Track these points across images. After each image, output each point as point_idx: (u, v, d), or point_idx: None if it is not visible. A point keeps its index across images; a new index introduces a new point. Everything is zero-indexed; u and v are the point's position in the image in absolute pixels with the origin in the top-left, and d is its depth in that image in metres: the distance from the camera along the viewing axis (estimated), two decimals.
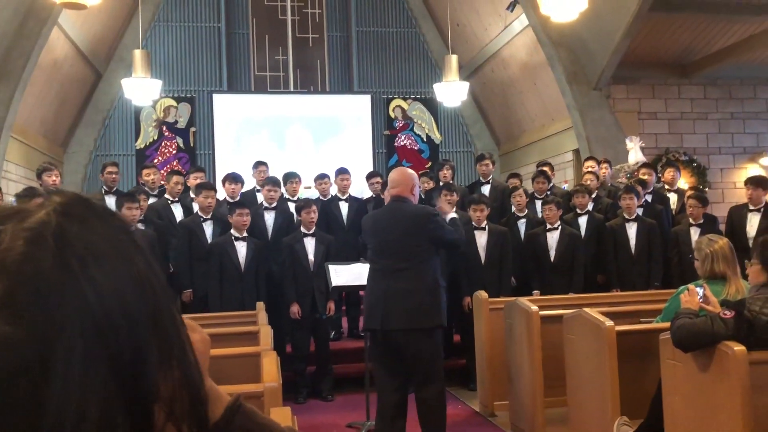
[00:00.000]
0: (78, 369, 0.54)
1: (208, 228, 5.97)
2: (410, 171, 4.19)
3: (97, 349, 0.55)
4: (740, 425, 2.54)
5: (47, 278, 0.55)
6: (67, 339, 0.54)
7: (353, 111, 12.07)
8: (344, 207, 6.87)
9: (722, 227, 6.85)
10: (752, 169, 9.97)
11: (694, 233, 6.05)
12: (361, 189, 9.06)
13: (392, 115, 12.43)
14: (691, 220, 6.20)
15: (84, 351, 0.54)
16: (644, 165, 7.49)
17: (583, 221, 6.43)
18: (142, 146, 11.55)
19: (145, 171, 7.15)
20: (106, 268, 0.57)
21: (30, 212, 0.59)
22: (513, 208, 6.64)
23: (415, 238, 3.87)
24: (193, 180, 6.93)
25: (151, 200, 6.62)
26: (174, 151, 11.65)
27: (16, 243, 0.57)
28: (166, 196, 6.64)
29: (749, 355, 2.58)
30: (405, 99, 12.50)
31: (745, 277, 3.48)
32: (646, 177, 6.92)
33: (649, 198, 6.75)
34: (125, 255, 0.59)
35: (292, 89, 12.03)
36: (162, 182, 7.29)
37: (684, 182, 8.98)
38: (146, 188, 6.85)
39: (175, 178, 6.67)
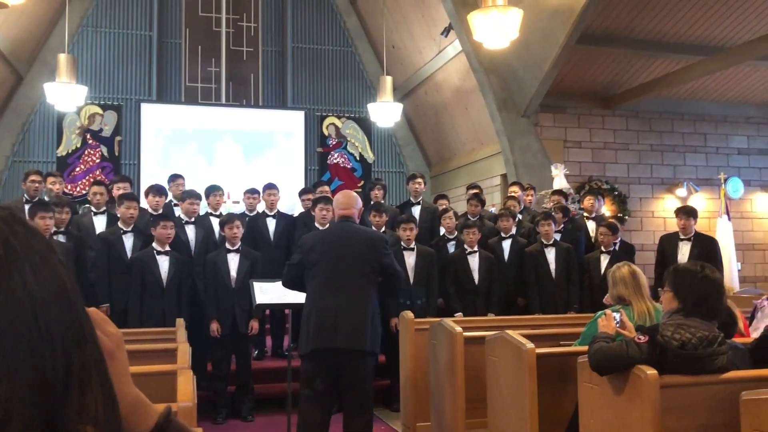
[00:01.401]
0: (6, 381, 0.52)
1: (128, 240, 5.77)
2: (356, 194, 4.20)
3: (27, 363, 0.54)
4: None
5: None
6: (1, 348, 0.53)
7: (286, 126, 11.99)
8: (271, 223, 6.77)
9: (642, 255, 7.12)
10: (669, 200, 10.45)
11: (604, 260, 6.28)
12: (291, 205, 8.98)
13: (326, 132, 12.41)
14: (602, 248, 6.42)
15: (14, 363, 0.53)
16: (555, 192, 7.72)
17: (507, 245, 6.56)
18: (64, 154, 11.11)
19: (50, 179, 6.83)
20: (41, 281, 0.57)
21: None
22: (443, 231, 6.71)
23: (369, 259, 3.85)
24: (117, 190, 6.69)
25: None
26: (97, 160, 11.25)
27: None
28: (91, 207, 6.39)
29: (661, 378, 2.66)
30: (339, 117, 12.51)
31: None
32: (561, 203, 7.14)
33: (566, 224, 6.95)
34: (54, 270, 0.59)
35: (223, 102, 11.85)
36: (72, 192, 7.01)
37: (606, 210, 9.30)
38: (62, 198, 6.56)
39: (94, 188, 6.38)
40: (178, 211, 6.67)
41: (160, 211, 6.20)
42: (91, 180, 9.58)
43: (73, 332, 0.58)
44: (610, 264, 5.72)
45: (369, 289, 3.86)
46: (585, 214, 7.39)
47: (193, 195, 6.31)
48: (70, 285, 0.60)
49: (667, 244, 6.57)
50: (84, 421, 0.58)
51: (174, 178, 7.21)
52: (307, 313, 3.83)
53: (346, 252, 3.83)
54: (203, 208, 6.69)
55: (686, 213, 6.48)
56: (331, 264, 3.82)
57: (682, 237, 6.45)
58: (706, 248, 6.32)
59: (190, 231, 6.16)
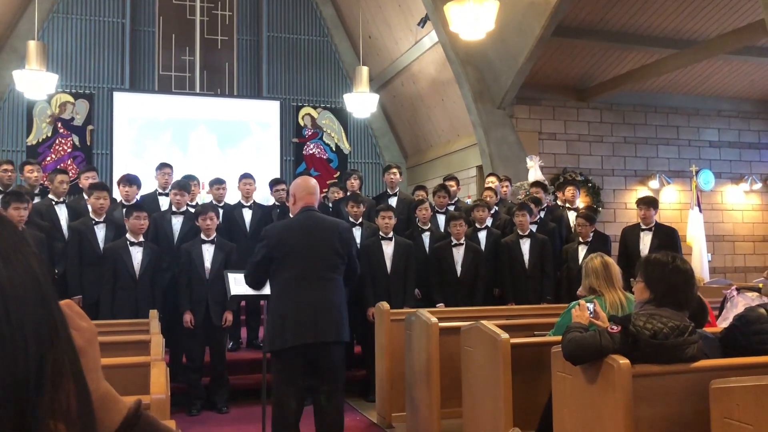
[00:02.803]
0: None
1: (100, 231, 5.68)
2: (315, 180, 4.13)
3: None
4: None
5: None
6: None
7: (261, 116, 11.89)
8: (248, 214, 6.71)
9: (614, 246, 7.19)
10: (642, 191, 10.56)
11: (582, 251, 6.33)
12: (267, 196, 8.92)
13: (301, 122, 12.34)
14: (579, 239, 6.48)
15: None
16: (535, 183, 7.76)
17: (482, 236, 6.59)
18: (35, 143, 10.92)
19: (27, 167, 6.66)
20: (13, 275, 0.54)
21: None
22: (417, 221, 6.71)
23: (338, 250, 3.82)
24: (85, 180, 6.56)
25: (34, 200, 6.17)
26: (69, 150, 11.07)
27: None
28: (50, 196, 6.21)
29: (633, 368, 2.69)
30: (315, 107, 12.44)
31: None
32: (538, 195, 7.19)
33: (543, 215, 6.99)
34: (27, 263, 0.57)
35: (198, 91, 11.72)
36: (43, 181, 6.86)
37: (579, 202, 9.38)
38: (26, 186, 6.43)
39: (59, 177, 6.22)
40: (162, 201, 6.58)
41: (133, 202, 6.12)
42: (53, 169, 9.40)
43: (46, 328, 0.56)
44: (588, 254, 5.77)
45: (339, 279, 3.86)
46: (567, 204, 7.42)
47: (179, 186, 6.21)
48: (43, 278, 0.58)
49: (629, 235, 6.68)
50: (56, 418, 0.56)
51: (161, 167, 6.94)
52: (282, 307, 3.74)
53: (315, 244, 3.78)
54: None
55: (646, 203, 6.60)
56: (301, 257, 3.75)
57: (643, 227, 6.56)
58: (667, 238, 6.45)
59: (177, 222, 6.07)
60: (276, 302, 3.79)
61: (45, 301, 0.57)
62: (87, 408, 0.60)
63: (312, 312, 3.68)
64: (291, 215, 4.03)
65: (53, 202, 6.12)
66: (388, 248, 5.99)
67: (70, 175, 6.95)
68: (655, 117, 10.79)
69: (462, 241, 6.20)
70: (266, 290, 4.28)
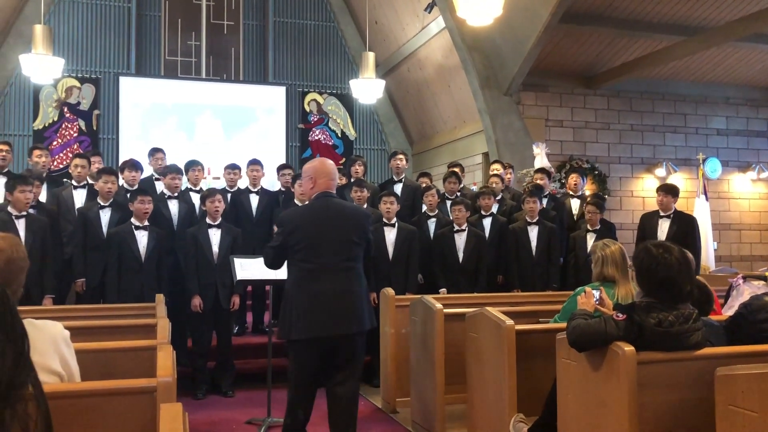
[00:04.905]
0: None
1: (105, 215, 5.70)
2: (333, 163, 3.96)
3: None
4: (626, 421, 2.65)
5: None
6: None
7: (267, 102, 11.88)
8: (254, 199, 6.73)
9: (620, 233, 7.17)
10: (648, 179, 10.53)
11: (590, 238, 6.30)
12: (272, 181, 8.93)
13: (307, 108, 12.32)
14: (588, 226, 6.44)
15: None
16: (539, 170, 7.73)
17: (487, 223, 6.57)
18: (41, 127, 10.94)
19: (36, 152, 6.69)
20: None
21: None
22: (424, 208, 6.70)
23: (357, 240, 3.69)
24: (92, 165, 6.60)
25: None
26: (75, 134, 11.09)
27: None
28: (72, 181, 6.25)
29: (638, 355, 2.69)
30: (321, 93, 12.41)
31: None
32: (541, 182, 7.17)
33: (546, 202, 6.97)
34: None
35: (204, 76, 11.70)
36: (51, 165, 6.87)
37: (586, 189, 9.35)
38: (34, 171, 6.45)
39: (75, 161, 6.28)
40: (159, 185, 6.60)
41: (136, 186, 6.14)
42: (70, 154, 9.44)
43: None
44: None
45: (359, 267, 3.73)
46: (570, 192, 7.38)
47: (175, 170, 6.25)
48: None
49: (647, 222, 6.62)
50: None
51: (154, 151, 7.11)
52: (299, 297, 3.59)
53: (334, 233, 3.63)
54: (184, 183, 6.63)
55: (665, 190, 6.57)
56: (320, 247, 3.61)
57: (662, 214, 6.52)
58: (685, 226, 6.40)
59: (173, 206, 6.11)
60: (293, 291, 3.64)
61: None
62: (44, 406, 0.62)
63: (329, 304, 3.56)
64: (299, 200, 3.92)
65: (73, 186, 6.16)
66: (390, 234, 5.98)
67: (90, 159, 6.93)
68: (663, 104, 10.73)
69: (464, 227, 6.18)
70: (272, 275, 4.23)
